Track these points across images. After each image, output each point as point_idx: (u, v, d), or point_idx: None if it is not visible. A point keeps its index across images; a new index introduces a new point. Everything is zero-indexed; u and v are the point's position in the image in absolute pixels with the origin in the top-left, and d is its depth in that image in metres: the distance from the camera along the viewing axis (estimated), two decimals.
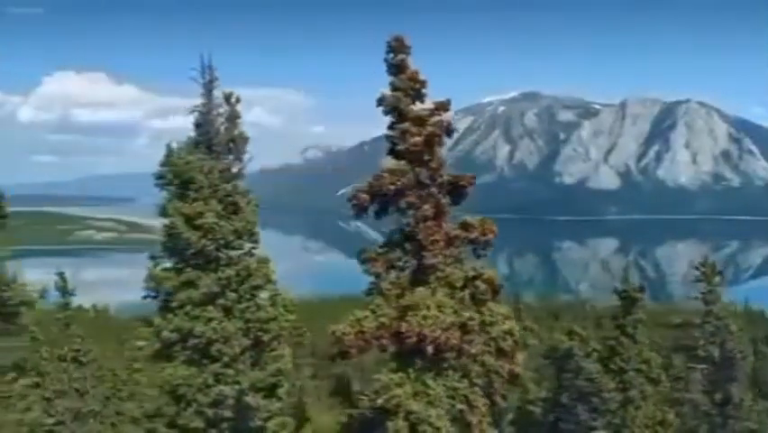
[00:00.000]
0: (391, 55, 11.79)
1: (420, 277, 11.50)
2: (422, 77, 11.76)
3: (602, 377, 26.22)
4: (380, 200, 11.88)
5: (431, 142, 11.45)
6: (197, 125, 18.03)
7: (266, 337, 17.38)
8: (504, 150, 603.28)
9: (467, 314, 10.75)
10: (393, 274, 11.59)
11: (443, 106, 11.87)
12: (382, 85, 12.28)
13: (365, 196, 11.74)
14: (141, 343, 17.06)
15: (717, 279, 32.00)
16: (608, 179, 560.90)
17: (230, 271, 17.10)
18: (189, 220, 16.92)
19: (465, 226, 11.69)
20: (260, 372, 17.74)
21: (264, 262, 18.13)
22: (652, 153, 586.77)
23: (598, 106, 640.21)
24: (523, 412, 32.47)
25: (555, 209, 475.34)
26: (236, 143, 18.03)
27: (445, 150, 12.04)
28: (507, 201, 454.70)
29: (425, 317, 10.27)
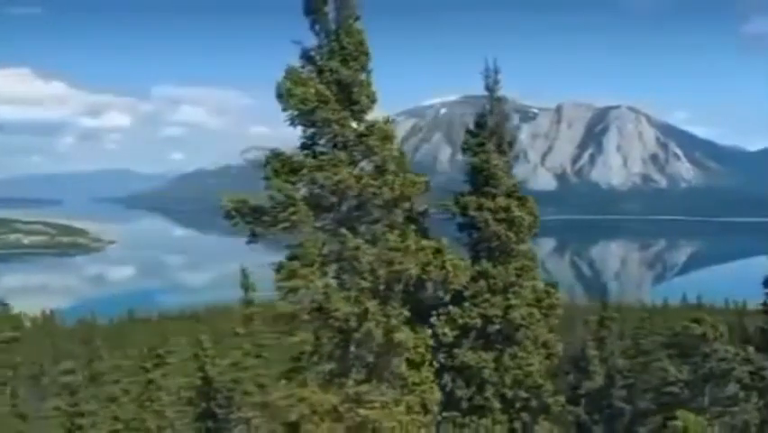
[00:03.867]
0: None
1: None
2: None
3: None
4: None
5: None
6: (479, 126, 19.26)
7: (552, 323, 18.82)
8: (446, 152, 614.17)
9: None
10: None
11: None
12: None
13: None
14: (444, 330, 18.03)
15: None
16: (545, 181, 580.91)
17: (524, 261, 18.45)
18: (492, 214, 18.16)
19: None
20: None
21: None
22: (586, 156, 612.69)
23: (535, 110, 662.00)
24: None
25: None
26: (511, 143, 19.40)
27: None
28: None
29: None
